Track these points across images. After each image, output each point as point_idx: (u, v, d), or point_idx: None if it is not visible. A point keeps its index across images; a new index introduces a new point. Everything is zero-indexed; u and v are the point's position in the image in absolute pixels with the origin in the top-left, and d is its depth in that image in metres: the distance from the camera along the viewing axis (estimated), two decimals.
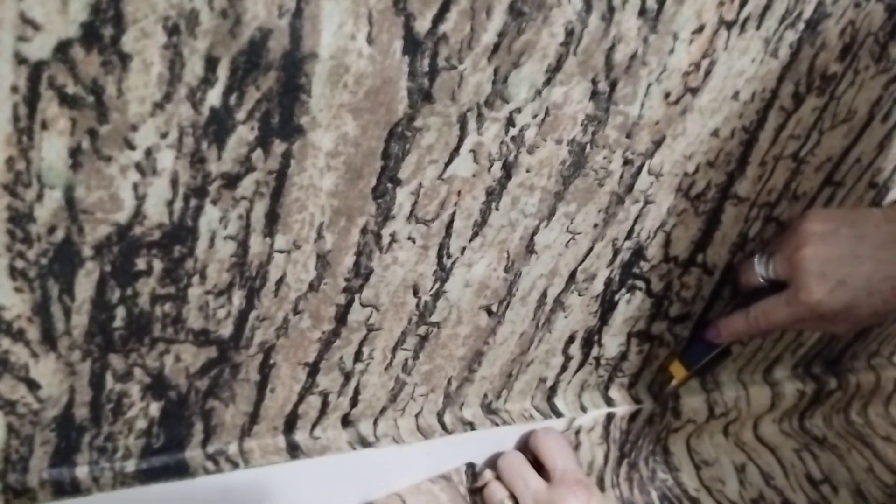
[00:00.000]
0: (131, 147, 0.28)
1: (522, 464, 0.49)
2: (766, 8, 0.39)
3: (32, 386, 0.33)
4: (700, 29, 0.37)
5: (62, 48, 0.25)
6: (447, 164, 0.35)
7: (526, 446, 0.52)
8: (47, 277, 0.30)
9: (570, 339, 0.51)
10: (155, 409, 0.37)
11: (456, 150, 0.35)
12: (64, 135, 0.26)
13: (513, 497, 0.48)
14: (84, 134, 0.27)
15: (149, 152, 0.28)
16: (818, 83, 0.45)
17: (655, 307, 0.53)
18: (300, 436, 0.44)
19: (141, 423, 0.38)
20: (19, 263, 0.29)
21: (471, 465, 0.51)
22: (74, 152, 0.27)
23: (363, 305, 0.39)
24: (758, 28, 0.39)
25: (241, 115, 0.29)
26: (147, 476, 0.39)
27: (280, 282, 0.35)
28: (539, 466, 0.50)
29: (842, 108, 0.47)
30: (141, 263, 0.31)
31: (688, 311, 0.56)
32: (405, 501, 0.48)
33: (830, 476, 0.71)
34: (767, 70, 0.42)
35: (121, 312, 0.32)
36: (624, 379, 0.59)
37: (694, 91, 0.40)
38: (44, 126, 0.26)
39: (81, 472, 0.37)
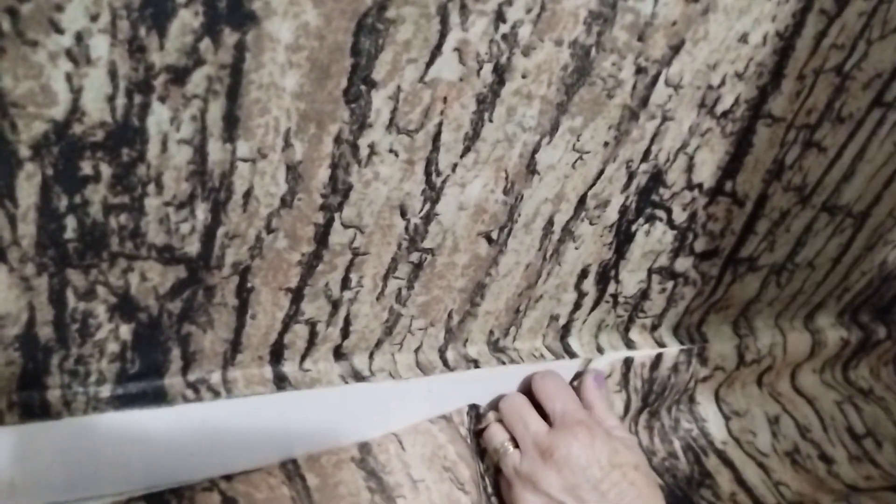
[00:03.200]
0: (59, 31, 0.25)
1: (524, 406, 0.46)
2: None
3: None
4: None
5: None
6: (428, 64, 0.32)
7: (530, 389, 0.49)
8: None
9: (583, 274, 0.48)
10: (126, 331, 0.35)
11: (438, 48, 0.32)
12: None
13: (513, 440, 0.45)
14: (3, 13, 0.24)
15: (79, 37, 0.25)
16: None
17: (679, 240, 0.49)
18: (289, 367, 0.42)
19: (112, 347, 0.36)
20: None
21: (474, 407, 0.49)
22: None
23: (345, 226, 0.36)
24: None
25: None
26: (122, 402, 0.37)
27: (247, 195, 0.33)
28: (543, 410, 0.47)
29: (893, 13, 0.42)
30: (87, 167, 0.29)
31: (716, 247, 0.51)
32: (402, 441, 0.45)
33: (874, 430, 0.66)
34: None
35: (71, 222, 0.30)
36: (646, 320, 0.55)
37: None
38: None
39: (53, 395, 0.36)
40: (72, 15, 0.25)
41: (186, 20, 0.26)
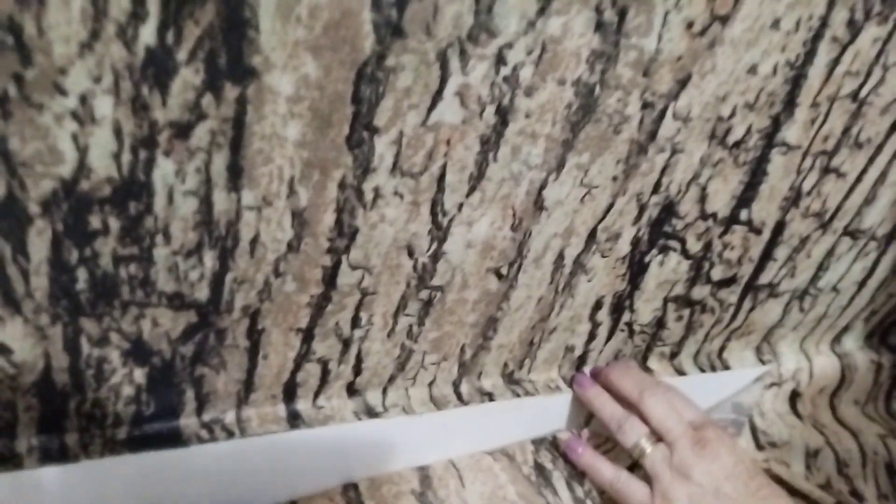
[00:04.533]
0: (63, 93, 0.26)
1: (674, 397, 0.47)
2: None
3: (4, 350, 0.32)
4: None
5: None
6: (430, 109, 0.32)
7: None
8: None
9: (597, 305, 0.47)
10: (140, 375, 0.36)
11: (438, 93, 0.32)
12: None
13: (650, 435, 0.45)
14: (9, 79, 0.25)
15: (83, 98, 0.26)
16: (878, 8, 0.39)
17: (694, 269, 0.48)
18: (302, 405, 0.42)
19: (128, 390, 0.36)
20: None
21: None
22: (1, 101, 0.25)
23: (352, 267, 0.37)
24: None
25: (181, 55, 0.26)
26: (138, 444, 0.38)
27: (254, 242, 0.33)
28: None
29: None
30: (95, 222, 0.29)
31: (734, 274, 0.50)
32: (462, 478, 0.45)
33: None
34: None
35: (82, 274, 0.31)
36: (664, 348, 0.54)
37: (723, 20, 0.35)
38: None
39: (71, 438, 0.37)
40: (75, 78, 0.25)
41: (188, 78, 0.27)
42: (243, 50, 0.27)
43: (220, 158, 0.30)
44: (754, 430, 0.61)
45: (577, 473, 0.48)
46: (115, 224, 0.30)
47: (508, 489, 0.45)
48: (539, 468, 0.47)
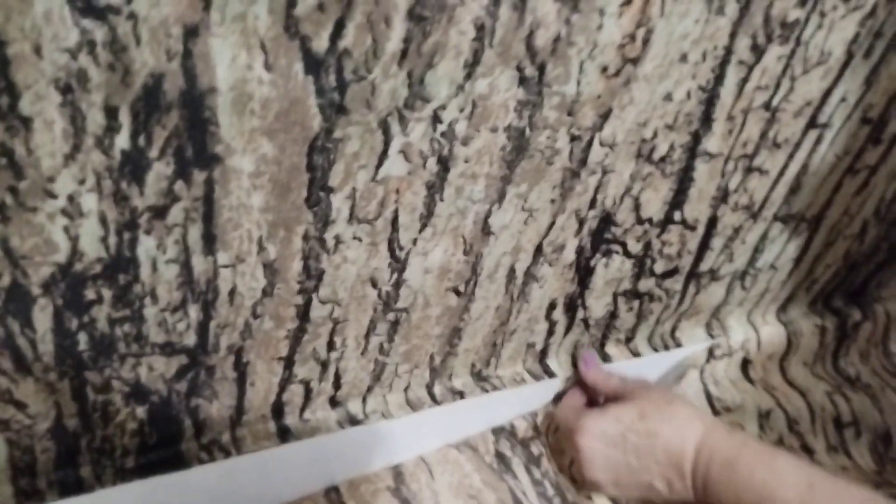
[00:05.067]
0: (53, 196, 0.30)
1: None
2: None
3: (20, 406, 0.36)
4: (628, 1, 0.36)
5: None
6: (377, 166, 0.36)
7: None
8: (5, 317, 0.32)
9: (552, 306, 0.52)
10: (141, 411, 0.41)
11: (384, 153, 0.36)
12: None
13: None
14: (5, 192, 0.29)
15: (71, 198, 0.30)
16: (779, 32, 0.43)
17: (638, 267, 0.53)
18: (290, 420, 0.47)
19: (132, 425, 0.41)
20: None
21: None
22: (0, 208, 0.29)
23: (322, 302, 0.41)
24: None
25: (153, 152, 0.30)
26: (146, 470, 0.42)
27: (232, 292, 0.37)
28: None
29: (812, 52, 0.45)
30: (90, 294, 0.34)
31: (675, 266, 0.55)
32: (432, 471, 0.51)
33: (860, 419, 0.70)
34: (716, 28, 0.40)
35: (83, 337, 0.35)
36: (620, 335, 0.59)
37: (634, 61, 0.39)
38: None
39: (85, 471, 0.41)
40: (62, 183, 0.29)
41: (160, 170, 0.31)
42: (206, 142, 0.31)
43: (195, 230, 0.34)
44: (709, 398, 0.67)
45: (534, 458, 0.53)
46: (107, 293, 0.34)
47: (474, 478, 0.50)
48: (500, 456, 0.52)
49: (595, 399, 0.55)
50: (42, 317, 0.33)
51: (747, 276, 0.61)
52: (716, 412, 0.66)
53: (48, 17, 0.25)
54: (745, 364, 0.68)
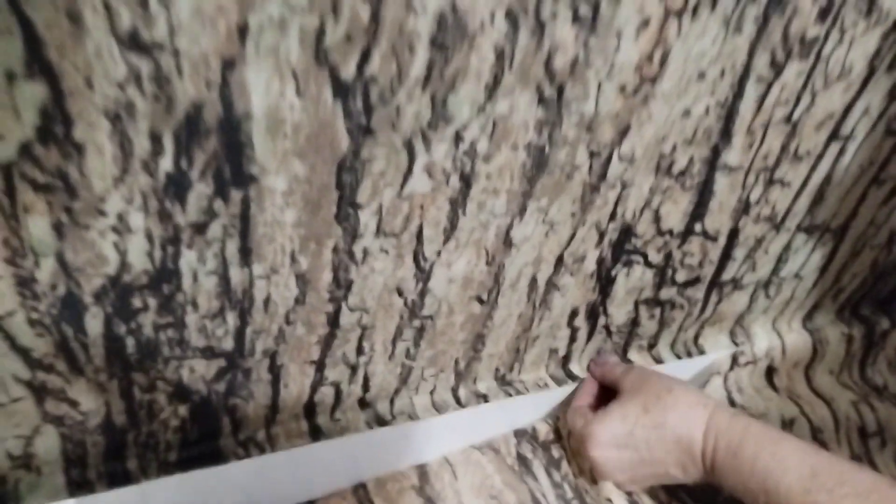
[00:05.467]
0: (104, 215, 0.32)
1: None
2: None
3: (73, 404, 0.39)
4: (645, 23, 0.38)
5: (25, 149, 0.29)
6: (403, 184, 0.38)
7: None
8: (60, 323, 0.35)
9: (573, 314, 0.54)
10: (183, 410, 0.43)
11: (409, 171, 0.38)
12: (44, 214, 0.31)
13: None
14: (61, 211, 0.31)
15: (120, 217, 0.33)
16: (798, 48, 0.44)
17: (659, 276, 0.54)
18: (321, 419, 0.50)
19: (174, 422, 0.44)
20: (34, 315, 0.34)
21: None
22: (57, 226, 0.32)
23: (351, 310, 0.43)
24: (713, 10, 0.39)
25: (194, 174, 0.33)
26: (187, 464, 0.45)
27: (267, 301, 0.40)
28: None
29: (833, 66, 0.46)
30: (137, 302, 0.36)
31: (697, 276, 0.56)
32: (455, 472, 0.53)
33: (886, 428, 0.70)
34: (733, 47, 0.41)
35: (130, 342, 0.38)
36: (642, 342, 0.61)
37: (652, 80, 0.41)
38: (26, 210, 0.31)
39: (131, 464, 0.44)
40: (112, 203, 0.32)
41: (201, 190, 0.34)
42: (243, 163, 0.34)
43: (232, 244, 0.36)
44: (733, 405, 0.67)
45: (554, 461, 0.55)
46: (152, 302, 0.37)
47: (495, 479, 0.52)
48: (521, 458, 0.54)
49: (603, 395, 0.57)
50: (93, 323, 0.36)
51: (771, 285, 0.62)
52: None
53: (98, 54, 0.28)
54: (770, 372, 0.69)
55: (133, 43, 0.28)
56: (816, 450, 0.44)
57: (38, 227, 0.31)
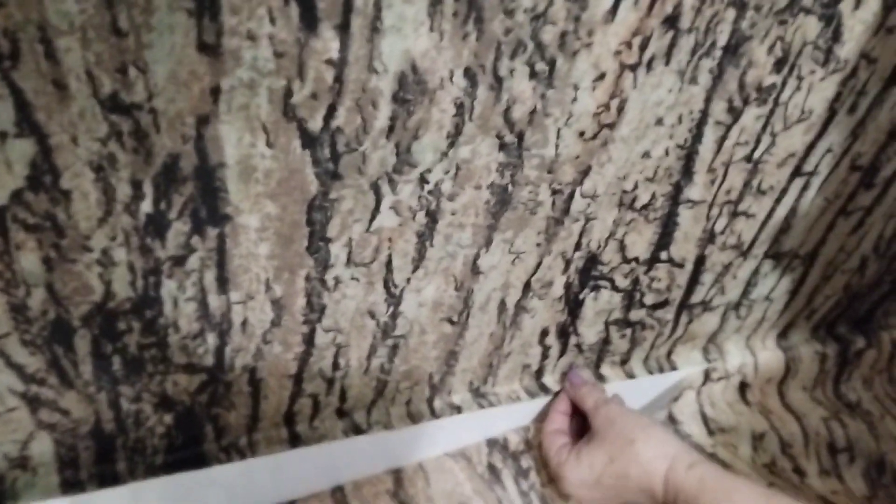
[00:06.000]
0: (89, 250, 0.35)
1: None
2: (672, 46, 0.40)
3: (64, 413, 0.43)
4: (601, 77, 0.40)
5: (16, 195, 0.32)
6: (371, 220, 0.41)
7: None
8: (51, 343, 0.39)
9: (544, 333, 0.56)
10: (168, 418, 0.47)
11: (376, 209, 0.41)
12: (34, 251, 0.34)
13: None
14: (50, 247, 0.35)
15: (104, 252, 0.36)
16: (755, 95, 0.46)
17: (627, 299, 0.57)
18: (300, 427, 0.53)
19: (160, 429, 0.47)
20: (27, 337, 0.38)
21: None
22: (46, 260, 0.35)
23: (326, 331, 0.46)
24: (667, 64, 0.41)
25: (173, 214, 0.36)
26: (173, 467, 0.49)
27: (244, 323, 0.43)
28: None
29: (792, 111, 0.48)
30: (122, 325, 0.40)
31: (665, 299, 0.59)
32: (428, 478, 0.56)
33: (855, 445, 0.72)
34: (690, 95, 0.44)
35: (116, 360, 0.41)
36: (615, 357, 0.63)
37: (611, 126, 0.43)
38: (18, 247, 0.34)
39: (120, 466, 0.48)
40: (97, 240, 0.35)
41: (179, 227, 0.37)
42: (218, 205, 0.36)
43: (210, 274, 0.39)
44: (705, 419, 0.70)
45: (523, 471, 0.58)
46: (136, 325, 0.40)
47: (466, 486, 0.55)
48: (491, 468, 0.57)
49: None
50: (82, 343, 0.39)
51: (741, 307, 0.64)
52: (710, 433, 0.70)
53: (82, 115, 0.31)
54: (743, 387, 0.71)
55: (114, 105, 0.31)
56: (769, 496, 0.46)
57: (29, 261, 0.35)
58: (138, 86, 0.31)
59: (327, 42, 0.33)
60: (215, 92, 0.32)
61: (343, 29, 0.33)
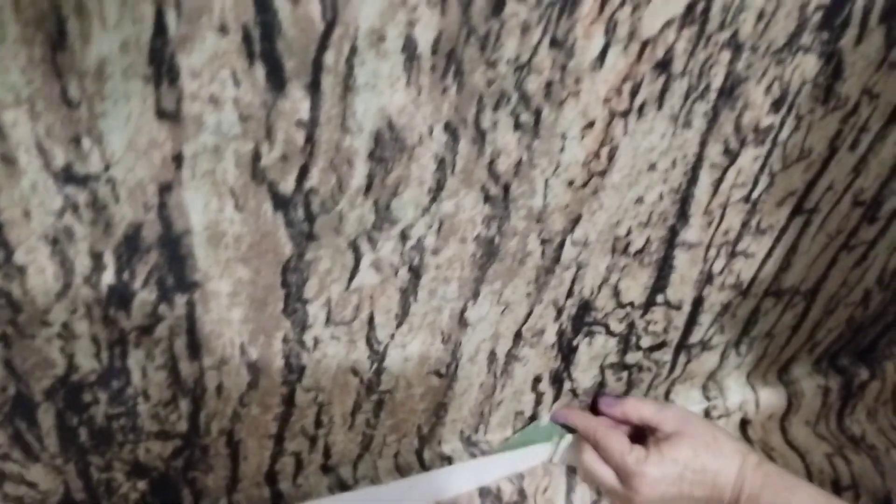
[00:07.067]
0: (48, 325, 0.33)
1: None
2: (664, 91, 0.39)
3: (31, 485, 0.41)
4: (590, 125, 0.38)
5: None
6: (350, 279, 0.39)
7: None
8: (14, 418, 0.36)
9: (537, 380, 0.54)
10: (142, 484, 0.45)
11: (356, 268, 0.39)
12: None
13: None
14: (6, 324, 0.32)
15: (65, 325, 0.34)
16: (752, 137, 0.44)
17: (623, 343, 0.55)
18: (283, 485, 0.51)
19: (134, 495, 0.45)
20: None
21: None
22: (3, 337, 0.33)
23: (306, 391, 0.44)
24: (659, 109, 0.39)
25: (137, 284, 0.34)
26: None
27: (219, 388, 0.41)
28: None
29: (791, 150, 0.46)
30: (87, 397, 0.37)
31: (663, 340, 0.57)
32: None
33: (860, 481, 0.70)
34: (684, 140, 0.42)
35: (83, 431, 0.39)
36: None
37: (602, 174, 0.41)
38: None
39: None
40: (56, 314, 0.33)
41: (144, 297, 0.34)
42: (185, 272, 0.34)
43: (180, 341, 0.37)
44: None
45: None
46: (103, 395, 0.38)
47: None
48: None
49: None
50: (46, 417, 0.37)
51: (742, 345, 0.62)
52: None
53: (34, 188, 0.29)
54: (744, 424, 0.69)
55: (68, 177, 0.29)
56: (829, 497, 0.49)
57: None
58: (94, 156, 0.29)
59: (297, 102, 0.31)
60: (178, 159, 0.30)
61: (313, 88, 0.31)
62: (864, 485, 0.69)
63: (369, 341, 0.43)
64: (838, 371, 0.73)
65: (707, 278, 0.53)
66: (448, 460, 0.55)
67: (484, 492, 0.57)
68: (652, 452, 0.53)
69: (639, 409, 0.56)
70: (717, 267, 0.52)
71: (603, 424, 0.57)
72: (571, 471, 0.59)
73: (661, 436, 0.54)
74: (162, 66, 0.28)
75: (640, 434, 0.56)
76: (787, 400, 0.70)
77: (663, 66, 0.38)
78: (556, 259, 0.45)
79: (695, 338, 0.58)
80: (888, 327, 0.72)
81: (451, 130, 0.35)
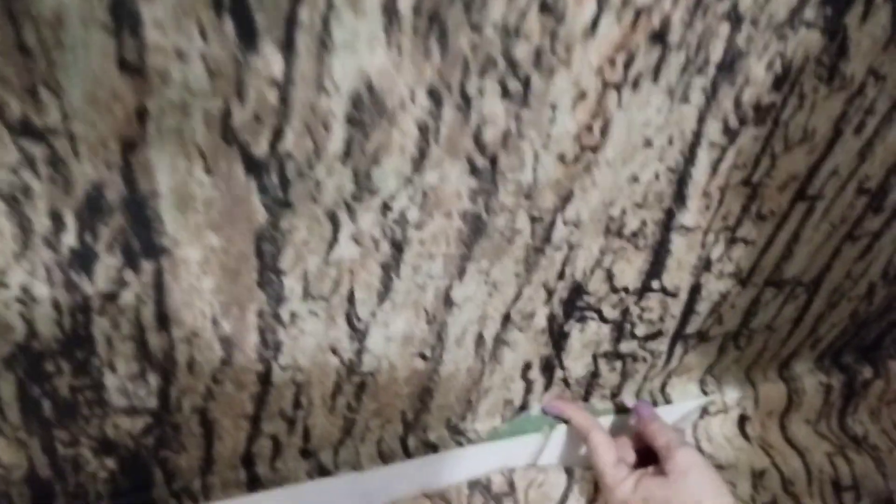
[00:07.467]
0: (6, 287, 0.32)
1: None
2: (660, 63, 0.37)
3: None
4: (582, 96, 0.36)
5: None
6: (328, 251, 0.37)
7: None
8: None
9: (527, 367, 0.53)
10: (111, 462, 0.43)
11: (334, 239, 0.37)
12: None
13: None
14: None
15: (24, 289, 0.32)
16: (753, 115, 0.42)
17: (617, 331, 0.53)
18: (261, 469, 0.49)
19: (103, 474, 0.43)
20: None
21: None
22: None
23: (283, 369, 0.42)
24: (655, 82, 0.37)
25: (100, 247, 0.32)
26: None
27: (191, 362, 0.39)
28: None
29: (794, 131, 0.44)
30: (50, 366, 0.36)
31: (658, 329, 0.55)
32: None
33: (861, 482, 0.68)
34: (681, 115, 0.40)
35: (46, 403, 0.37)
36: (604, 391, 0.59)
37: (594, 148, 0.39)
38: None
39: None
40: (14, 276, 0.32)
41: (108, 262, 0.33)
42: (152, 237, 0.33)
43: (147, 310, 0.36)
44: (701, 454, 0.66)
45: None
46: (66, 366, 0.36)
47: None
48: None
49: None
50: (6, 386, 0.36)
51: (741, 337, 0.60)
52: None
53: None
54: (742, 421, 0.67)
55: (24, 130, 0.28)
56: None
57: None
58: (51, 108, 0.27)
59: (269, 59, 0.29)
60: (142, 114, 0.29)
61: (287, 45, 0.29)
62: (866, 486, 0.68)
63: (349, 318, 0.41)
64: (841, 368, 0.71)
65: (705, 265, 0.51)
66: (434, 448, 0.54)
67: (472, 483, 0.55)
68: (630, 479, 0.52)
69: (656, 435, 0.54)
70: (715, 253, 0.50)
71: (598, 425, 0.55)
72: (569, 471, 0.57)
73: (657, 470, 0.53)
74: (123, 15, 0.26)
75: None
76: (787, 397, 0.68)
77: (659, 36, 0.36)
78: (547, 238, 0.43)
79: (692, 328, 0.56)
80: (893, 324, 0.70)
81: (434, 96, 0.33)
